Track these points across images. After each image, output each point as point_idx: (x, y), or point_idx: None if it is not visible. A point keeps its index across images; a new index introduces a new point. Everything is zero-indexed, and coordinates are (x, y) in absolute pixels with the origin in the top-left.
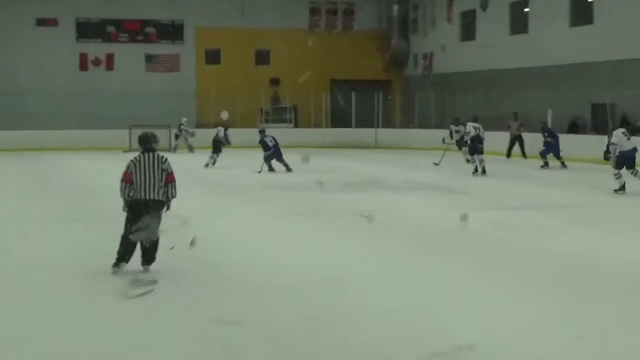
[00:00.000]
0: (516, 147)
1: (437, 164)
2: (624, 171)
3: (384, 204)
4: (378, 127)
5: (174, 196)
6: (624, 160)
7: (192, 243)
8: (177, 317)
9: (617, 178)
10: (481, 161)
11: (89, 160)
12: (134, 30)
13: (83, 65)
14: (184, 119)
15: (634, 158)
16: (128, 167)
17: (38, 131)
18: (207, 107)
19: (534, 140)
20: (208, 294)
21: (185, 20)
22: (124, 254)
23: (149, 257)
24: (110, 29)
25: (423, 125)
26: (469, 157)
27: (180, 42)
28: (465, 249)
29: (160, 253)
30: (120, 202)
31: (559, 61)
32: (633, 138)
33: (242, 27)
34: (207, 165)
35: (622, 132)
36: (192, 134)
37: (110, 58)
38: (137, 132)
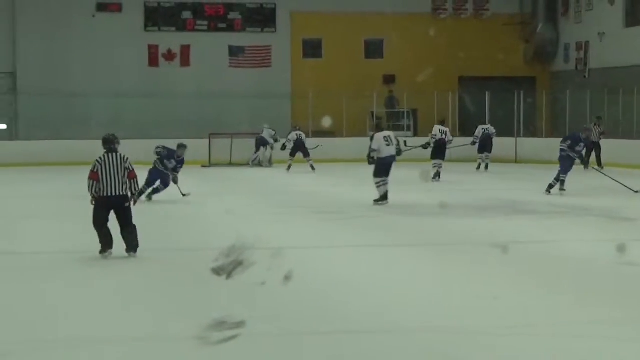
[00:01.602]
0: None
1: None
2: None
3: (523, 232)
4: (519, 135)
5: (137, 190)
6: (384, 168)
7: (287, 278)
8: None
9: (378, 187)
10: (439, 166)
11: None
12: (216, 17)
13: (153, 60)
14: (266, 126)
15: (391, 165)
16: (94, 166)
17: (94, 141)
18: (305, 111)
19: None
20: (306, 339)
21: (278, 4)
22: (104, 243)
23: (131, 244)
24: (187, 14)
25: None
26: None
27: (271, 30)
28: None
29: (250, 289)
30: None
31: None
32: None
33: (348, 12)
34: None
35: (384, 137)
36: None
37: (185, 51)
38: (219, 143)
